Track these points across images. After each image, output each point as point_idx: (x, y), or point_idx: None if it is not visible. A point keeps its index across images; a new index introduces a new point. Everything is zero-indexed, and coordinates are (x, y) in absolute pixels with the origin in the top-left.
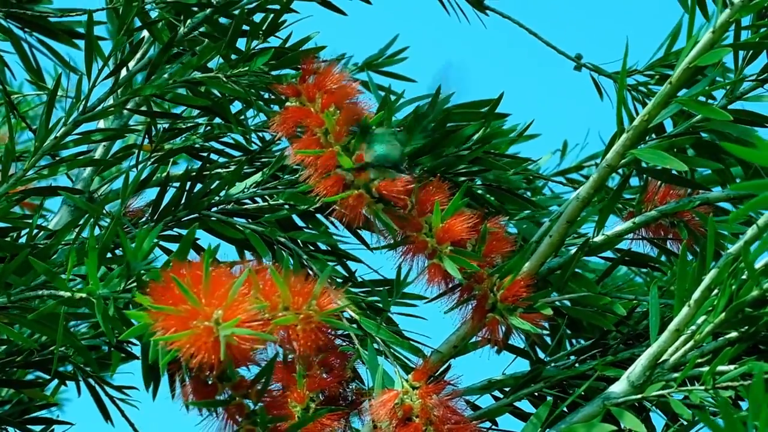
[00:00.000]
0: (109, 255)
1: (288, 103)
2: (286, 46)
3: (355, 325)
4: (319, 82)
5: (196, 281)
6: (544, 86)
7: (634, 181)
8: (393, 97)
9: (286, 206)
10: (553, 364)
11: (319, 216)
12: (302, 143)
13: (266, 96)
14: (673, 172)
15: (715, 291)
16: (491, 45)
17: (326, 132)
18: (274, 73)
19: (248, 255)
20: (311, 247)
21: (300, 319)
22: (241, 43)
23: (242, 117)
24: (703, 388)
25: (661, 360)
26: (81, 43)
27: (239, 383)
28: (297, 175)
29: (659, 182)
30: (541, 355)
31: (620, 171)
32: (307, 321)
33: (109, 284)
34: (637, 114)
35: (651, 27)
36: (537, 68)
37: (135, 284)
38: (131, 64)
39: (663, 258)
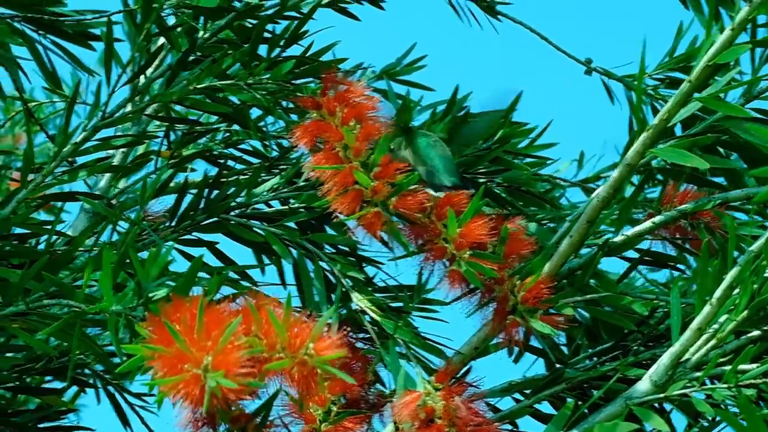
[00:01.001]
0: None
1: (309, 116)
2: (307, 55)
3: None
4: (339, 95)
5: (194, 318)
6: (557, 90)
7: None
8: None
9: (302, 209)
10: (572, 367)
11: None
12: (321, 157)
13: (285, 104)
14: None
15: (737, 289)
16: (503, 50)
17: (346, 147)
18: (294, 82)
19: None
20: (332, 249)
21: (295, 363)
22: (261, 50)
23: (261, 123)
24: (725, 386)
25: (683, 359)
26: (96, 44)
27: (236, 418)
28: (313, 180)
29: (678, 182)
30: (561, 355)
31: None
32: (302, 366)
33: (123, 300)
34: (654, 114)
35: (658, 30)
36: (549, 72)
37: (145, 303)
38: (149, 70)
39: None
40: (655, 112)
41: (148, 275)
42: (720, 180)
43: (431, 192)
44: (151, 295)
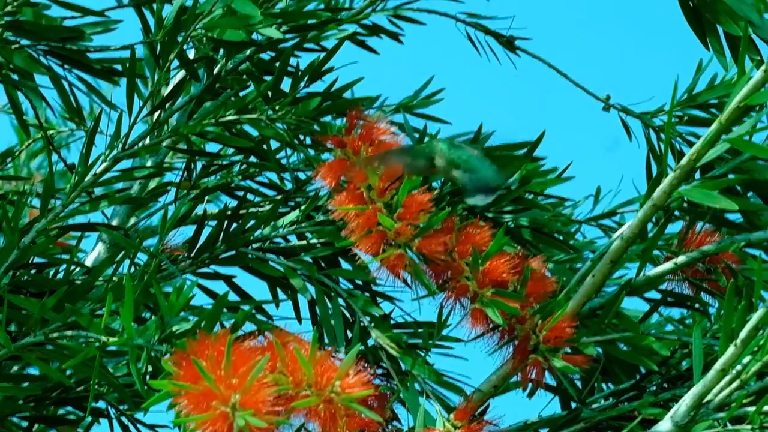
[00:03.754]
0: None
1: (333, 154)
2: (331, 91)
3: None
4: (364, 134)
5: (220, 355)
6: (574, 126)
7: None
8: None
9: (321, 244)
10: (588, 406)
11: (357, 252)
12: (345, 197)
13: (304, 138)
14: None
15: (762, 330)
16: (521, 84)
17: (369, 187)
18: (316, 118)
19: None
20: (350, 285)
21: (322, 400)
22: (284, 84)
23: (278, 156)
24: (749, 427)
25: (705, 400)
26: (120, 80)
27: None
28: (333, 216)
29: (700, 222)
30: (578, 393)
31: None
32: (329, 403)
33: (145, 334)
34: (682, 154)
35: (675, 64)
36: (567, 107)
37: (168, 338)
38: (169, 103)
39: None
40: (673, 149)
41: (171, 310)
42: (734, 217)
43: (477, 200)
44: (174, 329)
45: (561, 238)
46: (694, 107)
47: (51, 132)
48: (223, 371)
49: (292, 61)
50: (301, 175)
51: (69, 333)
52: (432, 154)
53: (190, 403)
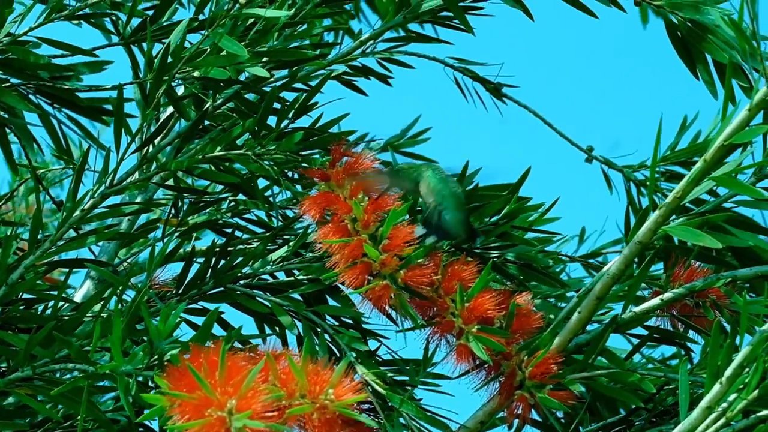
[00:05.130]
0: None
1: (317, 188)
2: (315, 126)
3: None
4: (348, 167)
5: (213, 367)
6: (558, 168)
7: None
8: None
9: (308, 281)
10: None
11: (343, 288)
12: (329, 230)
13: (291, 174)
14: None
15: (748, 368)
16: (506, 128)
17: (354, 219)
18: (303, 153)
19: (268, 330)
20: (336, 322)
21: (315, 408)
22: (270, 120)
23: (267, 193)
24: None
25: None
26: (109, 119)
27: None
28: (320, 252)
29: (686, 259)
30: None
31: None
32: (323, 411)
33: (133, 361)
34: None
35: (664, 120)
36: (551, 150)
37: (157, 362)
38: (158, 139)
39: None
40: (655, 205)
41: (160, 334)
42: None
43: (428, 237)
44: (164, 353)
45: (551, 274)
46: (677, 164)
47: (41, 171)
48: (218, 379)
49: (282, 98)
50: (290, 213)
51: (57, 367)
52: (419, 179)
53: (186, 413)
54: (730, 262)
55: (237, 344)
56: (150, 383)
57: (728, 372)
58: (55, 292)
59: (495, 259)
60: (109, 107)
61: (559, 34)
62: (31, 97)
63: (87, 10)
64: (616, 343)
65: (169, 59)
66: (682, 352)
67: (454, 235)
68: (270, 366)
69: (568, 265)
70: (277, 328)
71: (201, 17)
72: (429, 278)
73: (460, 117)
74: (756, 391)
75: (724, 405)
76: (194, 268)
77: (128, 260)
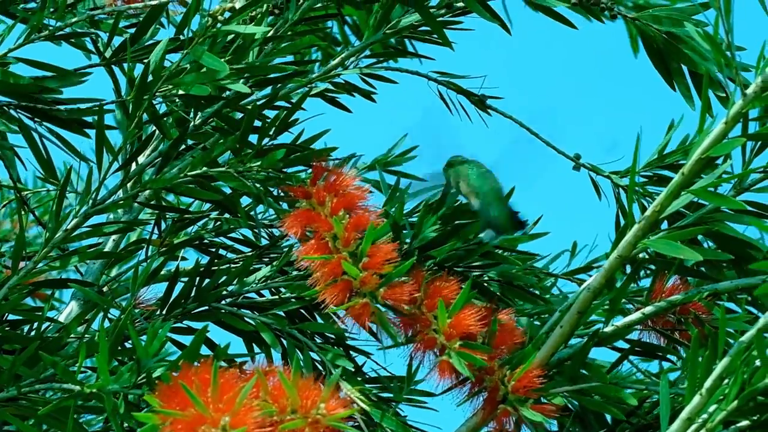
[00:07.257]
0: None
1: (298, 205)
2: (298, 143)
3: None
4: (329, 184)
5: (205, 384)
6: (547, 181)
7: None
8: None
9: (293, 299)
10: None
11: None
12: (311, 247)
13: (276, 192)
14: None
15: (727, 380)
16: (494, 141)
17: (335, 237)
18: (285, 170)
19: (257, 349)
20: (320, 339)
21: (308, 423)
22: (252, 138)
23: (251, 212)
24: None
25: None
26: (91, 131)
27: None
28: (304, 270)
29: (667, 273)
30: None
31: None
32: (315, 425)
33: (120, 379)
34: (642, 211)
35: (650, 124)
36: (539, 163)
37: (145, 380)
38: (141, 158)
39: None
40: (643, 209)
41: (147, 352)
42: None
43: (486, 234)
44: (152, 372)
45: (533, 291)
46: (664, 167)
47: (26, 192)
48: (211, 396)
49: (263, 116)
50: (276, 232)
51: (38, 387)
52: (458, 177)
53: (179, 431)
54: (716, 277)
55: (222, 363)
56: (139, 402)
57: (708, 383)
58: (41, 313)
59: (477, 276)
60: (90, 119)
61: (544, 44)
62: (12, 112)
63: (68, 29)
64: (607, 357)
65: (150, 78)
66: (664, 365)
67: (503, 230)
68: (261, 382)
69: (559, 280)
70: (263, 347)
71: (181, 37)
72: (410, 295)
73: (446, 130)
74: (735, 402)
75: (704, 416)
76: (178, 288)
77: (116, 280)
